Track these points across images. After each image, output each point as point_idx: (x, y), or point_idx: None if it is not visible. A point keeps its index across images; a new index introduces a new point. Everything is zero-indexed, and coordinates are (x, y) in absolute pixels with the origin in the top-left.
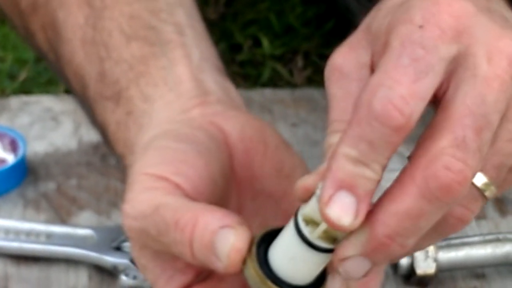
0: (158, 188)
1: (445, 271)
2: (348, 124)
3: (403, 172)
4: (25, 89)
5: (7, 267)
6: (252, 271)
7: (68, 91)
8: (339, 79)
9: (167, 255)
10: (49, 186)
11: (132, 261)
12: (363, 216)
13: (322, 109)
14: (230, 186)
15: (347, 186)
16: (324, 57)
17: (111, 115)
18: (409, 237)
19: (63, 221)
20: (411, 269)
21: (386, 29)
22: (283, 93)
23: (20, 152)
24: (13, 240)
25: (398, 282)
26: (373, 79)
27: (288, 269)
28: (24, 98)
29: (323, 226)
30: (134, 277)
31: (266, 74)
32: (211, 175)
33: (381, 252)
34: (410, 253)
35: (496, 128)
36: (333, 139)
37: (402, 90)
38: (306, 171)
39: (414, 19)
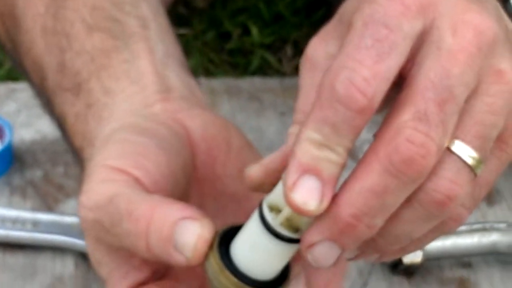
0: (116, 180)
1: (432, 260)
2: (311, 108)
3: (367, 150)
4: (12, 76)
5: None
6: (212, 262)
7: None
8: (309, 69)
9: (122, 251)
10: (36, 173)
11: None
12: (329, 200)
13: None
14: (191, 185)
15: (312, 170)
16: None
17: (70, 107)
18: (376, 216)
19: (49, 209)
20: (398, 258)
21: (352, 13)
22: (272, 82)
23: (7, 140)
24: None
25: (384, 271)
26: (335, 61)
27: (248, 260)
28: (11, 85)
29: (286, 212)
30: None
31: (255, 62)
32: (172, 172)
33: (349, 234)
34: (409, 251)
35: (463, 101)
36: (295, 129)
37: (365, 72)
38: None
39: None
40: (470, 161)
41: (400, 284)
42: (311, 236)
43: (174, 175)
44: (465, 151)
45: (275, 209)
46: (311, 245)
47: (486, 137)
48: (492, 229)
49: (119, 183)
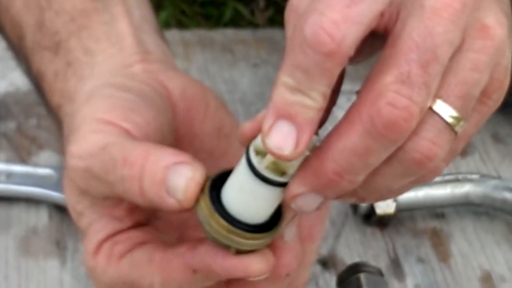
0: (106, 131)
1: (405, 211)
2: (285, 52)
3: (350, 108)
4: None
5: None
6: (203, 205)
7: None
8: (294, 20)
9: (106, 201)
10: (9, 125)
11: None
12: (304, 145)
13: (283, 50)
14: (172, 143)
15: (286, 115)
16: None
17: (49, 65)
18: (358, 174)
19: (23, 161)
20: (371, 209)
21: None
22: (245, 34)
23: None
24: None
25: (358, 222)
26: (309, 5)
27: (238, 203)
28: None
29: (271, 157)
30: None
31: (227, 14)
32: (160, 128)
33: (331, 188)
34: (387, 199)
35: (447, 60)
36: None
37: (334, 15)
38: None
39: None
40: (451, 121)
41: (373, 235)
42: (295, 188)
43: (161, 131)
44: (446, 111)
45: (261, 153)
46: (295, 196)
47: (468, 96)
48: (465, 180)
49: (110, 133)
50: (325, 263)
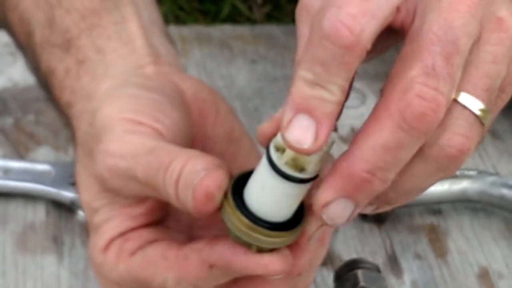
0: (144, 132)
1: (402, 207)
2: (304, 47)
3: (377, 106)
4: None
5: None
6: (226, 205)
7: None
8: (307, 18)
9: (129, 200)
10: (7, 121)
11: None
12: (324, 139)
13: (281, 46)
14: (190, 145)
15: (305, 109)
16: None
17: (59, 62)
18: (390, 170)
19: (21, 157)
20: None
21: None
22: (243, 29)
23: None
24: None
25: (355, 218)
26: (324, 2)
27: (259, 201)
28: None
29: (289, 152)
30: None
31: (225, 10)
32: (184, 128)
33: (364, 189)
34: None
35: (467, 52)
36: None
37: (352, 9)
38: (252, 140)
39: None
40: (480, 114)
41: (370, 231)
42: (325, 194)
43: (185, 132)
44: (475, 105)
45: (281, 149)
46: (326, 204)
47: (492, 88)
48: (462, 177)
49: (148, 135)
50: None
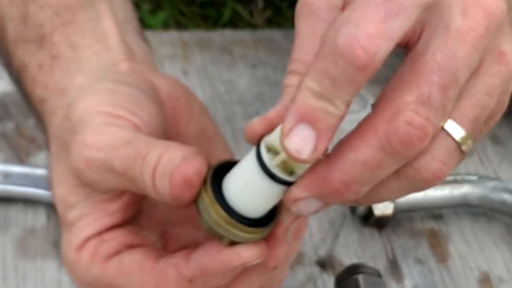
0: (122, 125)
1: (403, 212)
2: (314, 58)
3: (366, 120)
4: None
5: None
6: (204, 195)
7: None
8: (307, 16)
9: (106, 195)
10: (8, 126)
11: None
12: (322, 151)
13: (282, 51)
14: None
15: (309, 120)
16: None
17: (33, 58)
18: (365, 185)
19: (21, 161)
20: (369, 210)
21: None
22: (243, 34)
23: None
24: None
25: (356, 223)
26: (342, 15)
27: (240, 196)
28: None
29: (282, 156)
30: None
31: (226, 15)
32: (160, 124)
33: (335, 196)
34: (376, 202)
35: (464, 83)
36: (291, 80)
37: (369, 28)
38: (225, 140)
39: None
40: (462, 143)
41: (371, 236)
42: (299, 192)
43: (161, 127)
44: (459, 133)
45: (272, 151)
46: (298, 200)
47: (480, 119)
48: (463, 181)
49: (127, 127)
50: (323, 264)
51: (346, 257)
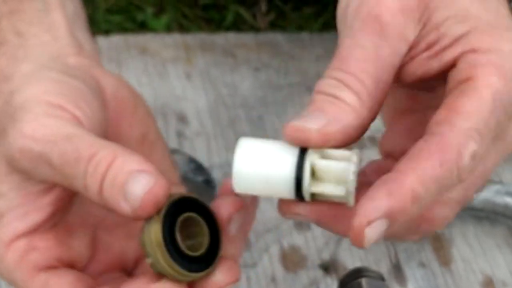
0: (63, 118)
1: None
2: (428, 155)
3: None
4: None
5: None
6: (152, 229)
7: None
8: (369, 28)
9: (39, 186)
10: None
11: None
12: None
13: (285, 54)
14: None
15: (393, 218)
16: (287, 1)
17: None
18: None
19: None
20: None
21: (459, 51)
22: (246, 37)
23: None
24: None
25: None
26: (462, 125)
27: (250, 180)
28: None
29: (328, 189)
30: None
31: (229, 18)
32: (101, 122)
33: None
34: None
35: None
36: (330, 88)
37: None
38: (166, 145)
39: (504, 69)
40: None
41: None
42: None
43: (103, 125)
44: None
45: (317, 176)
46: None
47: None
48: None
49: (68, 121)
50: (327, 267)
51: (350, 261)
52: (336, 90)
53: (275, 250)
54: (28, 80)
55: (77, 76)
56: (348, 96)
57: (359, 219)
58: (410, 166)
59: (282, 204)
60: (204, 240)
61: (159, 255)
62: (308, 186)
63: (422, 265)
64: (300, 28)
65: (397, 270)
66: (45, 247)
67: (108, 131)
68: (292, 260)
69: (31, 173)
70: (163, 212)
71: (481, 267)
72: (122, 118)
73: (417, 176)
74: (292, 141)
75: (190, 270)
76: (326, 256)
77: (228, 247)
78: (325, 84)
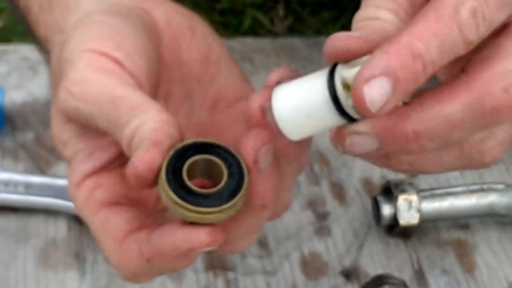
0: (108, 72)
1: (429, 222)
2: (424, 17)
3: (458, 79)
4: (3, 38)
5: None
6: (161, 172)
7: None
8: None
9: (94, 132)
10: (28, 136)
11: None
12: (388, 111)
13: (303, 58)
14: (159, 71)
15: (394, 76)
16: (305, 5)
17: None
18: (432, 142)
19: (42, 172)
20: (394, 219)
21: None
22: (264, 42)
23: None
24: None
25: (380, 233)
26: (496, 65)
27: (296, 121)
28: (2, 47)
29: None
30: None
31: (246, 22)
32: (148, 54)
33: (399, 144)
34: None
35: None
36: (371, 12)
37: None
38: (234, 62)
39: None
40: None
41: (396, 246)
42: (364, 127)
43: (149, 59)
44: None
45: (347, 87)
46: (355, 133)
47: None
48: (489, 190)
49: (112, 76)
50: (348, 274)
51: (371, 268)
52: (375, 13)
53: (295, 257)
54: (75, 29)
55: (120, 13)
56: (386, 15)
57: (357, 79)
58: (406, 29)
59: (335, 133)
60: (221, 180)
61: (164, 195)
62: (346, 99)
63: (445, 272)
64: (318, 32)
65: (420, 277)
66: (110, 184)
67: (165, 61)
68: (312, 267)
69: (85, 124)
70: (170, 153)
71: (506, 274)
72: (179, 44)
73: (412, 32)
74: (331, 53)
75: (199, 205)
76: (347, 262)
77: (257, 185)
78: (362, 12)
